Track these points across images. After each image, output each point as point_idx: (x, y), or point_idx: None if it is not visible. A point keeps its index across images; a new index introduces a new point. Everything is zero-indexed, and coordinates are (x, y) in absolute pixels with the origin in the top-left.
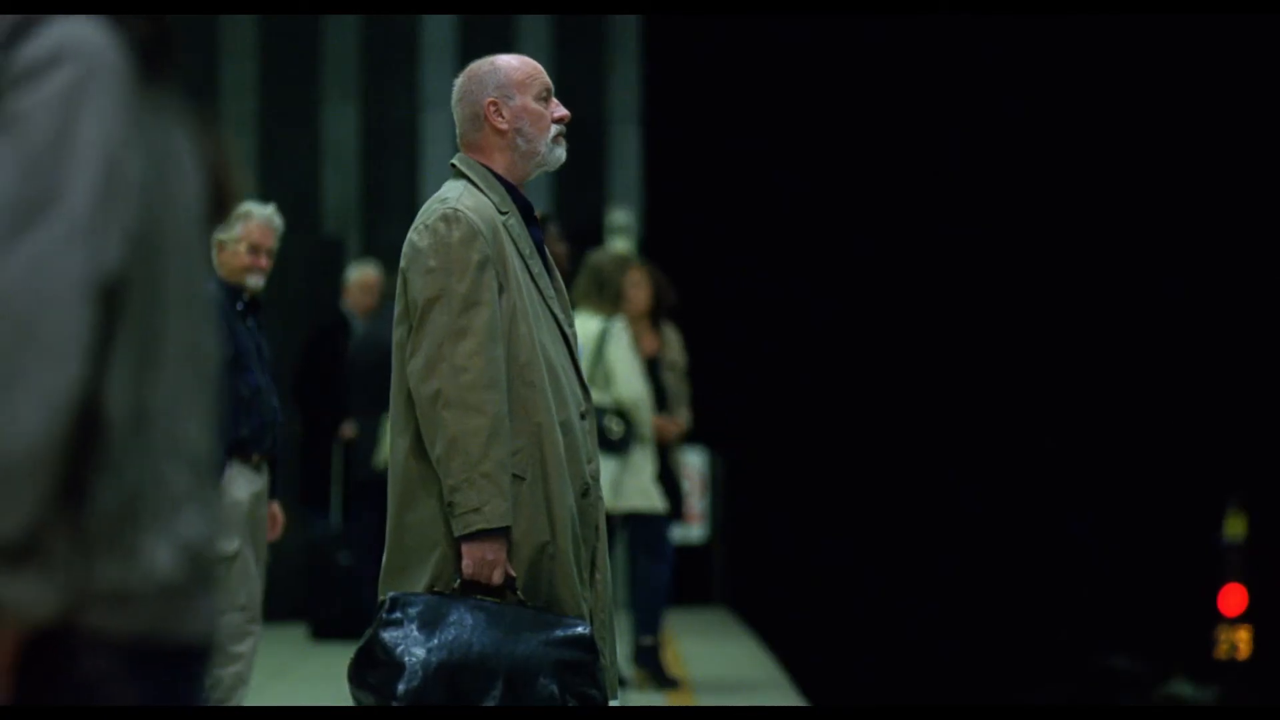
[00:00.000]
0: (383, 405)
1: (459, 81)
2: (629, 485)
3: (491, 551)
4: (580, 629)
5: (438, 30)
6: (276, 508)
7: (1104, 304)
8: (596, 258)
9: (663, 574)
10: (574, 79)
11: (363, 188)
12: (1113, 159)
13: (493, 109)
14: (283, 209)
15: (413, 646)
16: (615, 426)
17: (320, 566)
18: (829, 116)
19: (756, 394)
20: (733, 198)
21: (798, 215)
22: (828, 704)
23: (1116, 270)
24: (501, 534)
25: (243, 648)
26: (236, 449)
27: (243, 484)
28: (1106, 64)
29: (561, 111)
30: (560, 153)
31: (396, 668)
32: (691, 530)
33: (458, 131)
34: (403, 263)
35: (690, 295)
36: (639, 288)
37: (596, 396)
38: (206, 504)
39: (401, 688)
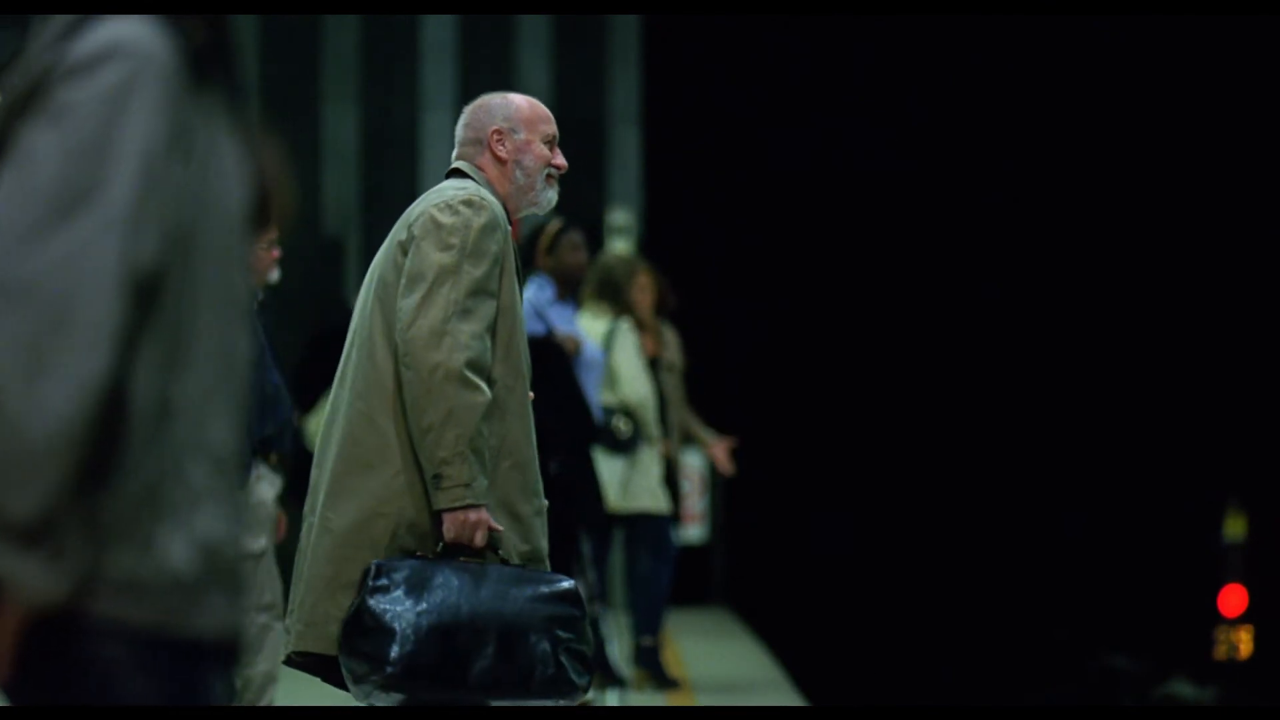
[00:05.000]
0: None
1: (468, 107)
2: (637, 485)
3: (475, 515)
4: (565, 584)
5: (438, 30)
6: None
7: (1103, 304)
8: (606, 260)
9: (666, 574)
10: (574, 79)
11: (363, 188)
12: (1112, 157)
13: (496, 138)
14: None
15: (401, 611)
16: (623, 426)
17: None
18: (829, 116)
19: (756, 394)
20: (732, 197)
21: (798, 215)
22: (828, 704)
23: (1115, 270)
24: (483, 506)
25: (269, 646)
26: (260, 448)
27: (267, 484)
28: (1105, 63)
29: (561, 160)
30: (552, 195)
31: (387, 633)
32: (691, 530)
33: (455, 154)
34: (411, 232)
35: (690, 295)
36: (645, 291)
37: (603, 397)
38: (228, 502)
39: (394, 652)
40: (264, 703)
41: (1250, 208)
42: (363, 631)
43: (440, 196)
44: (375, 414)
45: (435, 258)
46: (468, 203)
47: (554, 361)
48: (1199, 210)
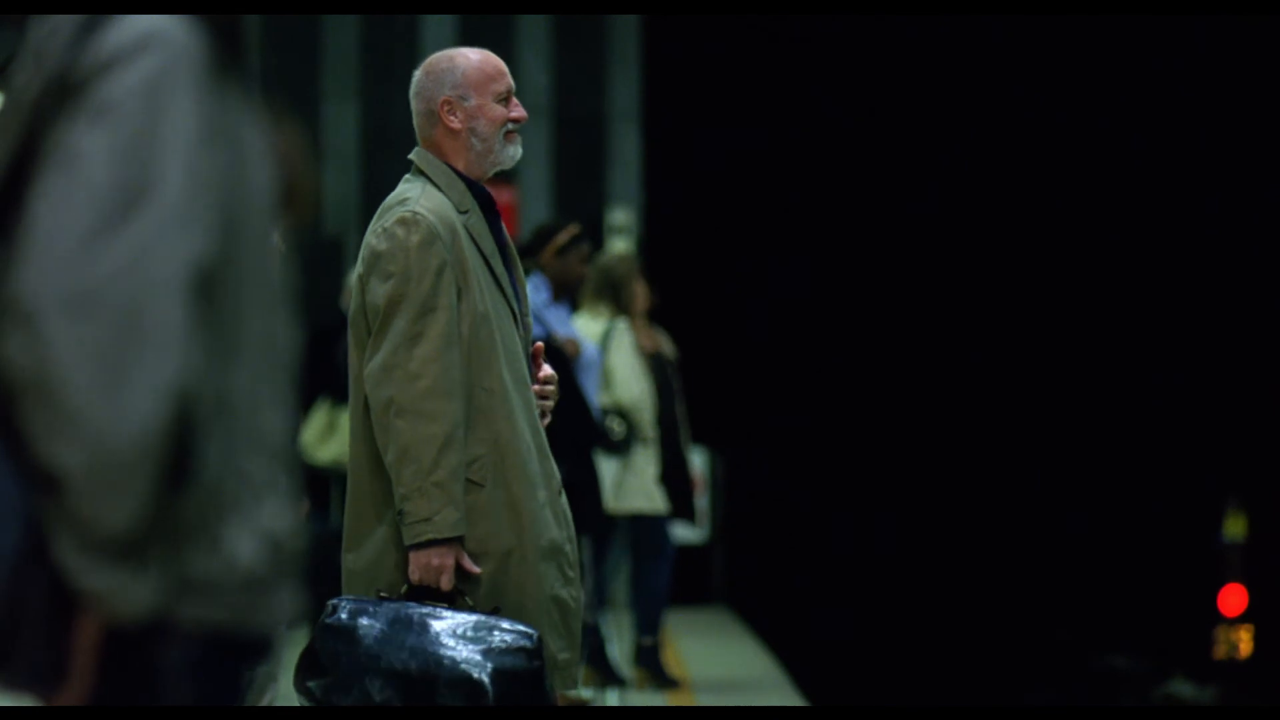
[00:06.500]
0: None
1: (417, 74)
2: (631, 486)
3: (438, 558)
4: (524, 640)
5: (438, 30)
6: None
7: (1105, 303)
8: (606, 260)
9: (664, 574)
10: (574, 79)
11: (363, 188)
12: (1112, 158)
13: (447, 108)
14: None
15: (347, 654)
16: (617, 427)
17: (320, 566)
18: (828, 116)
19: (756, 393)
20: (732, 197)
21: (797, 214)
22: (828, 704)
23: (1116, 271)
24: (452, 543)
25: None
26: None
27: None
28: (1105, 63)
29: (519, 112)
30: (514, 150)
31: (330, 676)
32: (692, 530)
33: (415, 124)
34: (361, 267)
35: (690, 294)
36: (642, 290)
37: (598, 398)
38: (286, 494)
39: (337, 699)
40: (264, 702)
41: (1249, 208)
42: (314, 670)
43: (379, 221)
44: (368, 455)
45: (380, 291)
46: (401, 222)
47: (554, 365)
48: (1198, 211)
